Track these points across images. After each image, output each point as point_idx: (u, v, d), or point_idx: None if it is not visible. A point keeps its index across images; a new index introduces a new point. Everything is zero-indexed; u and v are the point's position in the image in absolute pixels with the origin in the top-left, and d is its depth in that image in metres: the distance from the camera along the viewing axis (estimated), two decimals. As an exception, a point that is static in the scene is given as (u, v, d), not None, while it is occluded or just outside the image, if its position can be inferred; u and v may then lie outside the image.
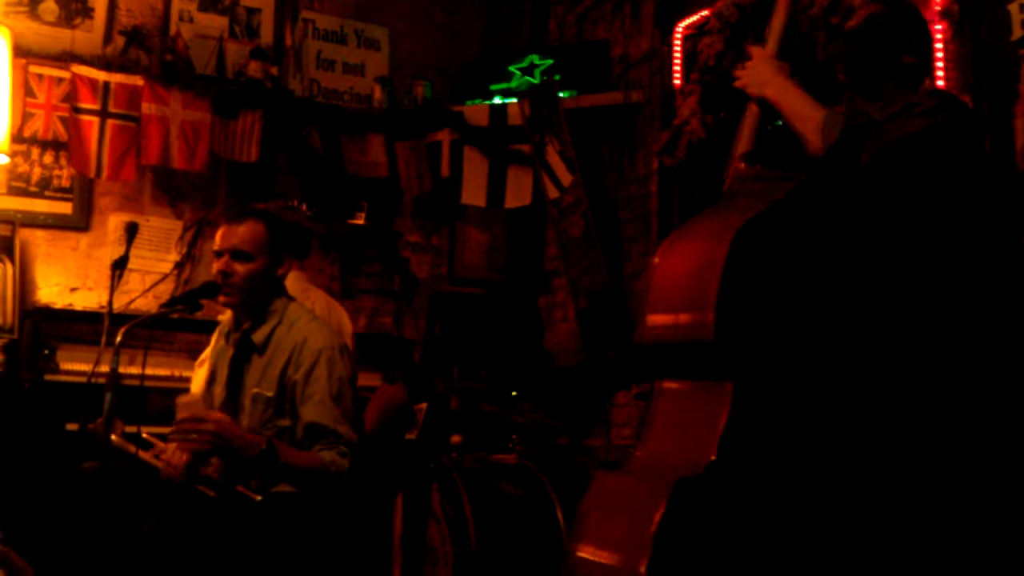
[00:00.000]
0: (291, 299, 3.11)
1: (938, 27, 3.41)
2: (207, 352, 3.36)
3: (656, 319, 2.32)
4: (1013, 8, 3.15)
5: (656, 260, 2.39)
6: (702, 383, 2.24)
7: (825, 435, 2.19)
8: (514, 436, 3.99)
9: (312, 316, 3.10)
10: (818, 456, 2.18)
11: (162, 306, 3.19)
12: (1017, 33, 3.14)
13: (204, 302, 3.00)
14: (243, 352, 3.04)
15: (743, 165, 2.56)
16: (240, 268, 2.95)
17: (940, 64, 3.39)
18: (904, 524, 2.19)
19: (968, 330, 2.26)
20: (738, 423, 2.12)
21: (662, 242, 2.45)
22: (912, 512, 2.19)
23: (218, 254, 3.00)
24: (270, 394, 2.94)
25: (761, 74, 2.61)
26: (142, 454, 2.90)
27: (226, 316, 3.31)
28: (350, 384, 2.97)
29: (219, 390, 3.08)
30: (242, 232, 2.98)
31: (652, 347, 2.36)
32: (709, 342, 2.15)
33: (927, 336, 2.23)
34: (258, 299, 3.02)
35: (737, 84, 2.68)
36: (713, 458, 2.08)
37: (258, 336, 3.01)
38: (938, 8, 3.42)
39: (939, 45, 3.40)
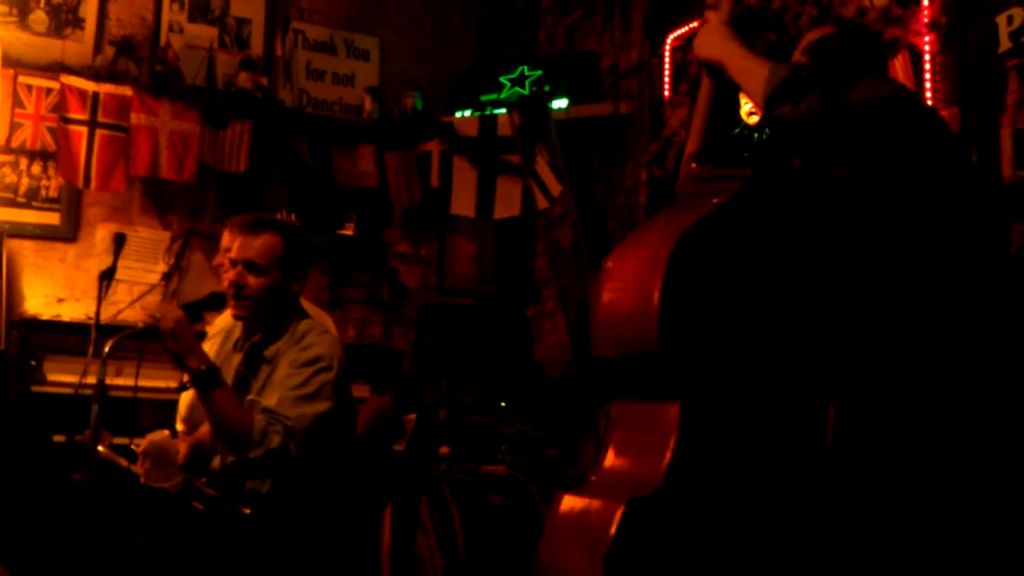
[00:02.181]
0: (305, 316, 3.07)
1: (926, 39, 3.43)
2: None
3: (604, 330, 2.22)
4: (1001, 20, 3.17)
5: (609, 264, 2.28)
6: (650, 403, 2.15)
7: (781, 456, 2.14)
8: (503, 447, 3.98)
9: (322, 330, 3.04)
10: (773, 478, 2.12)
11: None
12: (1004, 45, 3.16)
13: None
14: (251, 362, 2.99)
15: (695, 165, 2.46)
16: (252, 281, 2.90)
17: (928, 75, 3.41)
18: (866, 551, 2.15)
19: (944, 344, 2.21)
20: (687, 445, 2.05)
21: (617, 247, 2.35)
22: (877, 538, 2.15)
23: (232, 263, 2.95)
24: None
25: (712, 36, 2.50)
26: (135, 468, 2.88)
27: (215, 326, 3.29)
28: (332, 397, 2.92)
29: None
30: (258, 245, 2.91)
31: (603, 361, 2.25)
32: (652, 355, 2.07)
33: (903, 352, 2.17)
34: (271, 314, 2.96)
35: (693, 48, 2.59)
36: (662, 481, 2.02)
37: (269, 351, 2.96)
38: (926, 20, 3.44)
39: (927, 56, 3.42)
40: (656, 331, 2.05)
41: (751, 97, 2.38)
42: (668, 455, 2.04)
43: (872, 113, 2.23)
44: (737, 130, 3.33)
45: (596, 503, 2.09)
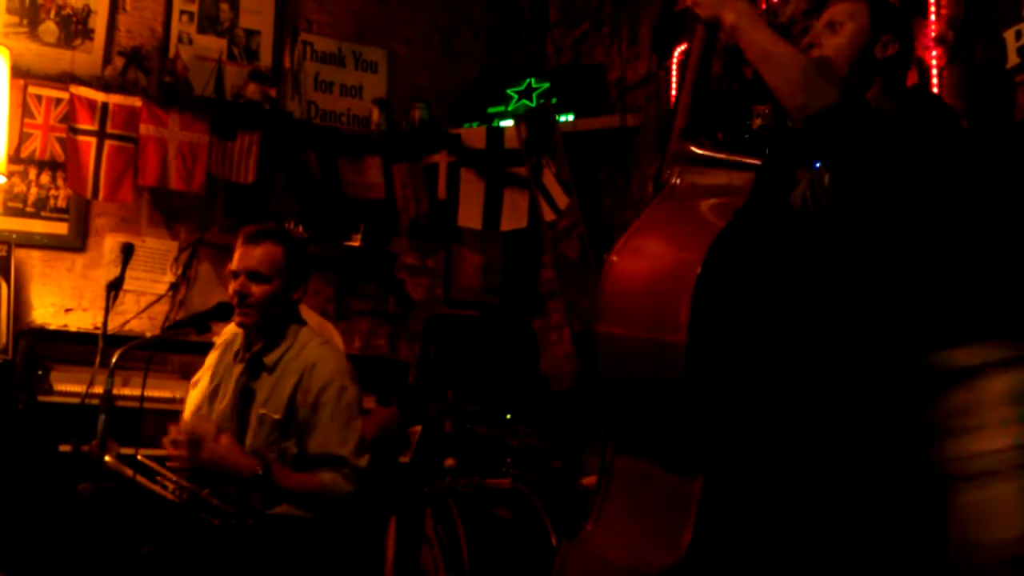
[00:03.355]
0: (303, 324, 3.11)
1: (933, 53, 3.42)
2: (200, 372, 3.34)
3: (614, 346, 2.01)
4: (1008, 35, 3.16)
5: (614, 258, 2.07)
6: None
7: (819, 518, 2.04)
8: (508, 460, 3.97)
9: (322, 340, 3.09)
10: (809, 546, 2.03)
11: (169, 327, 3.19)
12: (1012, 60, 3.15)
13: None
14: (253, 371, 3.02)
15: (690, 146, 2.16)
16: (256, 289, 2.96)
17: (935, 90, 3.40)
18: None
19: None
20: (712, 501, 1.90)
21: (619, 239, 2.09)
22: None
23: (235, 274, 2.99)
24: (277, 416, 2.93)
25: None
26: (140, 479, 2.88)
27: (222, 336, 3.30)
28: (359, 410, 2.98)
29: (223, 407, 3.06)
30: (259, 254, 2.98)
31: (610, 382, 2.04)
32: (678, 382, 1.88)
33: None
34: (273, 321, 3.02)
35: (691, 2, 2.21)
36: (683, 554, 1.89)
37: (269, 358, 3.01)
38: (933, 34, 3.43)
39: (934, 71, 3.42)
40: (683, 354, 1.88)
41: (773, 88, 2.06)
42: (689, 527, 1.92)
43: (915, 130, 2.11)
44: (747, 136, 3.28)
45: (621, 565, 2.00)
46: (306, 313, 3.74)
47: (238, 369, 3.05)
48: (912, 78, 3.47)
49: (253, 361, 3.01)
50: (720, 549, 1.93)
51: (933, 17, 3.44)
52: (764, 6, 4.16)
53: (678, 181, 2.15)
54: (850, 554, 2.06)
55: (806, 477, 2.03)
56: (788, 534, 2.01)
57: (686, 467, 1.93)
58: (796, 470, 2.03)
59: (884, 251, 2.09)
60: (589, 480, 4.01)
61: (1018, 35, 3.13)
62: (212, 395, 3.14)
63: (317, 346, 3.02)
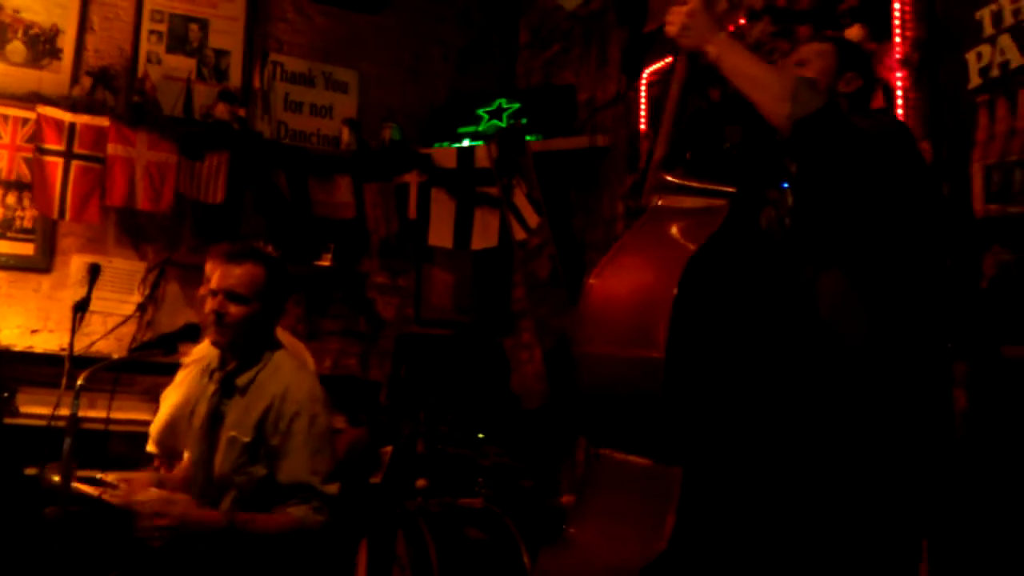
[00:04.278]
0: (279, 346, 3.04)
1: (898, 75, 3.47)
2: (170, 389, 3.30)
3: (598, 359, 2.11)
4: (971, 57, 3.21)
5: (595, 291, 2.14)
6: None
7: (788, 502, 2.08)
8: (480, 479, 3.96)
9: (298, 365, 3.01)
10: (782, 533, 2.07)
11: (136, 348, 3.13)
12: (974, 81, 3.20)
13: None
14: (225, 392, 2.95)
15: (666, 175, 2.24)
16: (233, 310, 2.86)
17: (900, 111, 3.45)
18: None
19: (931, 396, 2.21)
20: (689, 496, 1.97)
21: (600, 268, 2.17)
22: None
23: (213, 293, 2.89)
24: (246, 439, 2.84)
25: (699, 22, 2.20)
26: (106, 496, 2.83)
27: (193, 356, 3.26)
28: (331, 437, 2.91)
29: (198, 423, 3.00)
30: (239, 274, 2.88)
31: (592, 398, 2.13)
32: (657, 395, 1.96)
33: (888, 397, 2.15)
34: (249, 343, 2.93)
35: (669, 31, 2.26)
36: (664, 547, 1.94)
37: (241, 380, 2.92)
38: (898, 56, 3.48)
39: (899, 92, 3.46)
40: (663, 370, 1.97)
41: (759, 105, 2.15)
42: (671, 514, 1.97)
43: (884, 142, 2.21)
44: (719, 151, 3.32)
45: (602, 565, 2.03)
46: (280, 334, 3.72)
47: (211, 388, 3.00)
48: (879, 101, 3.52)
49: (225, 381, 2.96)
50: (704, 535, 1.98)
51: (898, 39, 3.49)
52: (732, 28, 4.20)
53: (656, 205, 2.26)
54: (833, 543, 2.11)
55: (781, 468, 2.10)
56: (768, 521, 2.07)
57: (665, 459, 2.02)
58: (769, 462, 2.10)
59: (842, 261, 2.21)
60: (560, 500, 4.02)
61: (979, 56, 3.18)
62: (191, 414, 3.09)
63: (291, 371, 2.94)
